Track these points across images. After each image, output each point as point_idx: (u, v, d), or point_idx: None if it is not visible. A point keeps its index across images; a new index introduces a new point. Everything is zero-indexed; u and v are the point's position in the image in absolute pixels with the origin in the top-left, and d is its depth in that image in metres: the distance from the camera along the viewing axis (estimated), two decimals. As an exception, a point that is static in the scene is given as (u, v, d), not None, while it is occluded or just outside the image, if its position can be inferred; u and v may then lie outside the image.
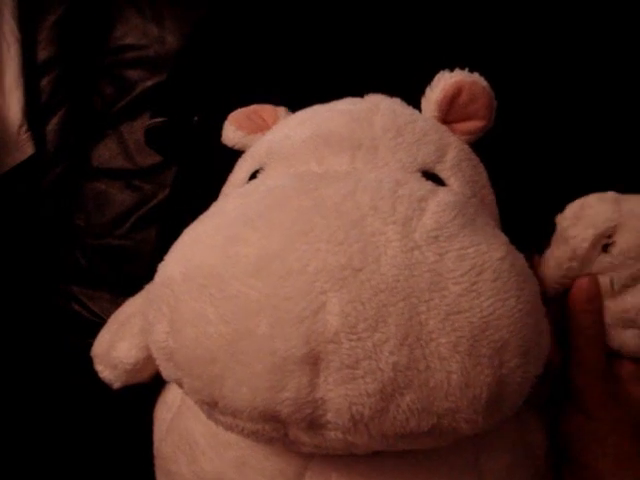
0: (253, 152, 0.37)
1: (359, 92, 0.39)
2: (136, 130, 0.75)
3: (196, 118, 0.57)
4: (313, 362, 0.24)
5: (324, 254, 0.25)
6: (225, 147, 0.41)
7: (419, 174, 0.32)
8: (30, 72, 0.80)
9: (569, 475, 0.35)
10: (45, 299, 0.77)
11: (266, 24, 0.59)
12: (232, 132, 0.40)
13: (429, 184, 0.30)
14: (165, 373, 0.29)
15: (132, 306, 0.43)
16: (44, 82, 0.81)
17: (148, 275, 0.44)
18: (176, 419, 0.36)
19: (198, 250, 0.28)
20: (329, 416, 0.25)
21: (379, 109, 0.35)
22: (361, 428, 0.25)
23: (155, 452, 0.39)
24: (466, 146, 0.36)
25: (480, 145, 0.37)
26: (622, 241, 0.32)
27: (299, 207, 0.27)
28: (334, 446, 0.26)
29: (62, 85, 0.81)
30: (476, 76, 0.35)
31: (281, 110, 0.40)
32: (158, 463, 0.38)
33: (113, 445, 0.57)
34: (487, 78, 0.36)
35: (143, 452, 0.39)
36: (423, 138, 0.34)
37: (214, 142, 0.42)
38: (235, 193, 0.31)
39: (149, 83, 0.76)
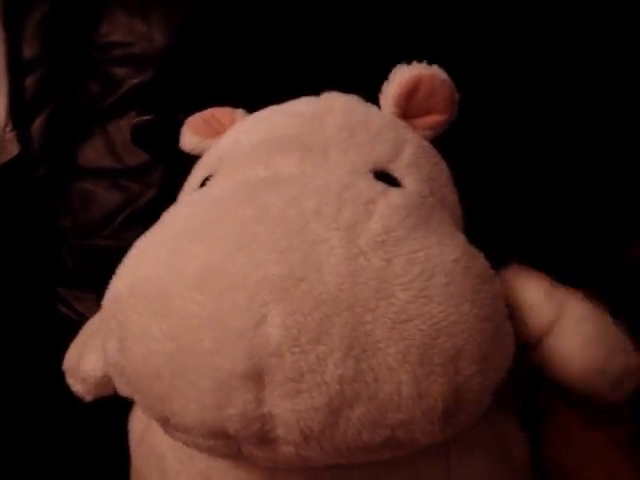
0: (205, 158, 0.36)
1: (330, 89, 0.38)
2: (123, 129, 0.74)
3: (182, 116, 0.56)
4: (257, 377, 0.23)
5: (265, 264, 0.24)
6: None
7: (371, 175, 0.31)
8: (15, 70, 0.79)
9: None
10: (31, 300, 0.76)
11: (253, 24, 0.59)
12: (189, 137, 0.40)
13: (379, 185, 0.29)
14: (119, 389, 0.29)
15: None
16: (29, 80, 0.80)
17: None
18: (146, 431, 0.36)
19: (144, 263, 0.27)
20: (279, 431, 0.24)
21: (333, 108, 0.34)
22: (312, 442, 0.24)
23: (131, 462, 0.38)
24: (425, 143, 0.34)
25: (445, 142, 0.36)
26: None
27: (241, 217, 0.26)
28: (288, 460, 0.25)
29: (48, 83, 0.80)
30: (435, 68, 0.34)
31: (239, 112, 0.39)
32: (132, 473, 0.38)
33: (95, 451, 0.56)
34: (454, 72, 0.35)
35: (124, 458, 0.39)
36: (378, 137, 0.33)
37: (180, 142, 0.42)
38: (184, 202, 0.31)
39: (136, 81, 0.75)
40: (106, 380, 0.37)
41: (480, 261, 0.27)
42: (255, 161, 0.32)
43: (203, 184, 0.34)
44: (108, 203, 0.75)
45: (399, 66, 0.35)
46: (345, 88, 0.38)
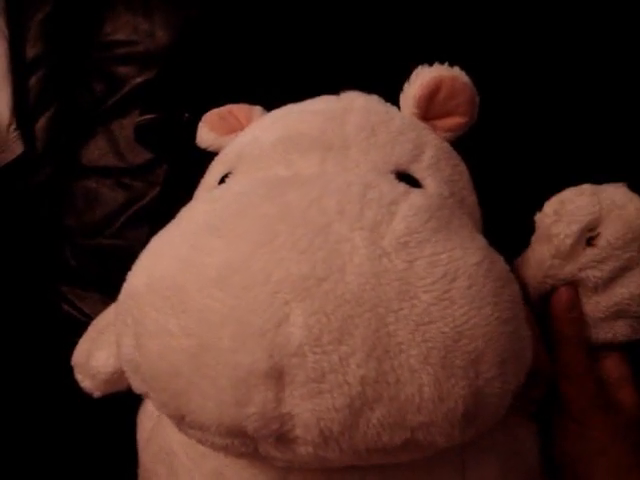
0: (223, 155, 0.36)
1: (348, 89, 0.38)
2: (126, 127, 0.74)
3: (187, 115, 0.56)
4: (278, 376, 0.23)
5: (287, 263, 0.24)
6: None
7: (392, 175, 0.30)
8: (18, 70, 0.79)
9: None
10: (35, 299, 0.76)
11: (257, 21, 0.59)
12: (205, 134, 0.39)
13: (402, 186, 0.28)
14: (134, 386, 0.28)
15: (111, 313, 0.42)
16: (33, 80, 0.80)
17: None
18: (156, 428, 0.36)
19: (162, 260, 0.27)
20: (298, 431, 0.24)
21: (353, 108, 0.34)
22: (331, 443, 0.24)
23: (139, 460, 0.38)
24: (445, 144, 0.34)
25: (464, 144, 0.36)
26: (607, 233, 0.32)
27: (263, 215, 0.26)
28: (306, 461, 0.25)
29: (51, 83, 0.80)
30: (456, 71, 0.34)
31: (256, 110, 0.39)
32: (140, 472, 0.38)
33: (101, 449, 0.56)
34: (471, 73, 0.35)
35: (131, 457, 0.39)
36: (398, 137, 0.32)
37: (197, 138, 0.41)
38: (202, 199, 0.30)
39: (139, 79, 0.75)
40: (116, 377, 0.38)
41: (500, 264, 0.27)
42: (275, 159, 0.31)
43: (222, 181, 0.33)
44: (112, 202, 0.75)
45: (420, 67, 0.34)
46: (352, 86, 0.37)
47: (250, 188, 0.28)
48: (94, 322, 0.42)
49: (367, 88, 0.37)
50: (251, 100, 0.41)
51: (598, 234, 0.32)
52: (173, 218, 0.31)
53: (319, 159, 0.31)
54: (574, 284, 0.33)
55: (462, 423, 0.24)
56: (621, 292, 0.32)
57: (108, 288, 0.76)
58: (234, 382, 0.23)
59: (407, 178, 0.31)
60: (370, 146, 0.31)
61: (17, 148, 0.77)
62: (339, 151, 0.31)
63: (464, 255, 0.25)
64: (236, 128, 0.38)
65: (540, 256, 0.33)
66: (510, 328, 0.25)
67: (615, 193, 0.32)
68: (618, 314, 0.33)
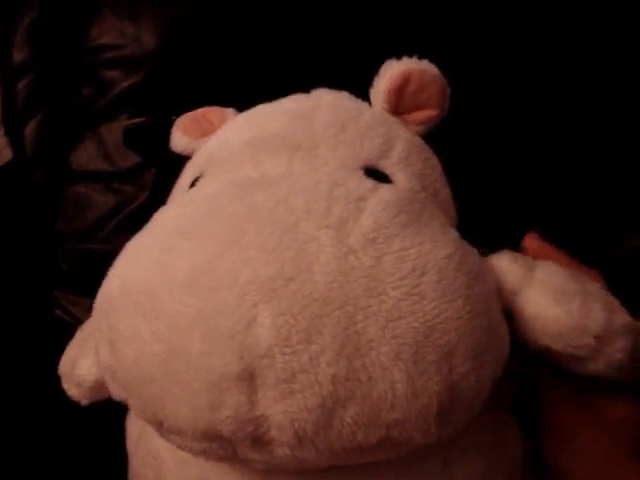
0: (195, 159, 0.36)
1: (338, 87, 0.38)
2: (115, 131, 0.74)
3: (175, 118, 0.56)
4: (249, 378, 0.23)
5: (255, 264, 0.24)
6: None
7: (361, 172, 0.30)
8: (6, 75, 0.78)
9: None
10: (27, 304, 0.75)
11: (244, 23, 0.59)
12: (179, 138, 0.39)
13: (370, 182, 0.28)
14: (113, 392, 0.28)
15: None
16: (20, 85, 0.79)
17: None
18: (142, 433, 0.36)
19: (134, 264, 0.27)
20: (273, 433, 0.24)
21: (321, 105, 0.34)
22: (307, 444, 0.24)
23: (129, 465, 0.38)
24: (416, 138, 0.34)
25: (439, 137, 0.36)
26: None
27: (231, 215, 0.26)
28: (284, 462, 0.25)
29: (39, 88, 0.80)
30: (425, 63, 0.34)
31: (229, 112, 0.39)
32: (130, 477, 0.38)
33: (94, 454, 0.56)
34: (444, 66, 0.34)
35: (123, 461, 0.39)
36: (367, 132, 0.32)
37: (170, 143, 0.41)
38: (174, 202, 0.30)
39: (126, 83, 0.74)
40: (100, 384, 0.37)
41: (473, 257, 0.27)
42: (244, 161, 0.31)
43: (193, 185, 0.33)
44: (102, 206, 0.75)
45: (389, 61, 0.34)
46: (339, 85, 0.38)
47: (219, 190, 0.28)
48: (79, 330, 0.42)
49: (347, 85, 0.37)
50: (239, 101, 0.41)
51: None
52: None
53: (287, 159, 0.31)
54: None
55: (438, 419, 0.24)
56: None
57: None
58: (206, 386, 0.23)
59: (377, 174, 0.30)
60: (338, 143, 0.31)
61: (6, 154, 0.77)
62: (307, 150, 0.31)
63: (434, 249, 0.25)
64: (209, 131, 0.38)
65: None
66: (483, 321, 0.25)
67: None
68: None
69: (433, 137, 0.36)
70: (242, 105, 0.41)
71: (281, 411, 0.23)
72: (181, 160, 0.54)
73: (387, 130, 0.33)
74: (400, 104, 0.34)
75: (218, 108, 0.39)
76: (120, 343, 0.26)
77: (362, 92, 0.37)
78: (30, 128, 0.79)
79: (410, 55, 0.34)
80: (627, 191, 0.50)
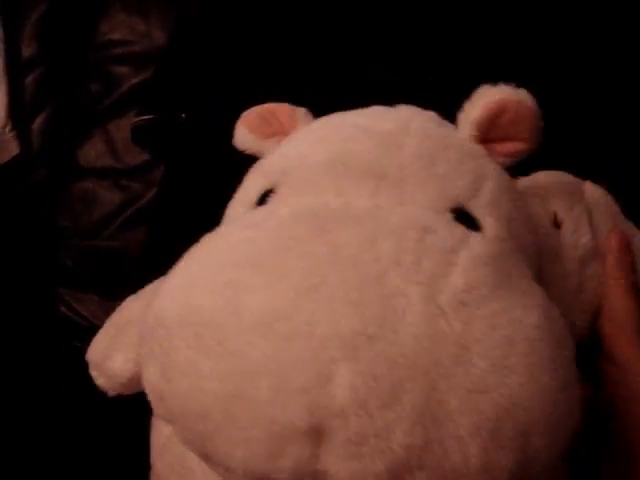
0: (265, 167, 0.33)
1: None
2: (123, 128, 0.74)
3: (184, 115, 0.56)
4: (316, 435, 0.22)
5: (336, 316, 0.22)
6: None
7: (450, 215, 0.28)
8: (14, 70, 0.78)
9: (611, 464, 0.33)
10: (32, 301, 0.75)
11: (253, 20, 0.58)
12: (244, 135, 0.36)
13: (460, 229, 0.26)
14: (157, 411, 0.27)
15: (131, 309, 0.40)
16: (28, 80, 0.79)
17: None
18: (174, 438, 0.35)
19: (197, 290, 0.25)
20: None
21: (410, 130, 0.31)
22: None
23: (151, 465, 0.37)
24: (506, 176, 0.32)
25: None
26: (558, 206, 0.34)
27: (311, 254, 0.24)
28: None
29: (47, 83, 0.80)
30: (523, 94, 0.31)
31: (300, 112, 0.36)
32: (153, 478, 0.37)
33: (106, 450, 0.56)
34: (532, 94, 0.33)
35: (139, 458, 0.38)
36: (458, 167, 0.30)
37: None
38: (243, 222, 0.28)
39: (136, 80, 0.74)
40: (133, 382, 0.36)
41: (559, 323, 0.25)
42: (325, 185, 0.29)
43: (263, 198, 0.31)
44: (108, 203, 0.75)
45: (484, 87, 0.32)
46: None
47: (296, 218, 0.26)
48: (112, 316, 0.41)
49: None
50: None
51: (554, 214, 0.33)
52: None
53: (372, 189, 0.28)
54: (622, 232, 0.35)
55: None
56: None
57: (105, 290, 0.75)
58: (268, 435, 0.22)
59: (465, 217, 0.29)
60: (428, 178, 0.29)
61: (13, 149, 0.77)
62: (394, 182, 0.29)
63: (524, 316, 0.24)
64: (278, 132, 0.35)
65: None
66: (564, 395, 0.24)
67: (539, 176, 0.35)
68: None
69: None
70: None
71: (344, 469, 0.22)
72: (190, 158, 0.54)
73: (477, 165, 0.31)
74: (489, 134, 0.32)
75: (287, 106, 0.36)
76: (175, 372, 0.24)
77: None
78: (37, 123, 0.79)
79: (507, 82, 0.32)
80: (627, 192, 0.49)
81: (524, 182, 0.35)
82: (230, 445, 0.23)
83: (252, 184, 0.33)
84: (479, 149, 0.32)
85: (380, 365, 0.22)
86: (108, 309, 0.42)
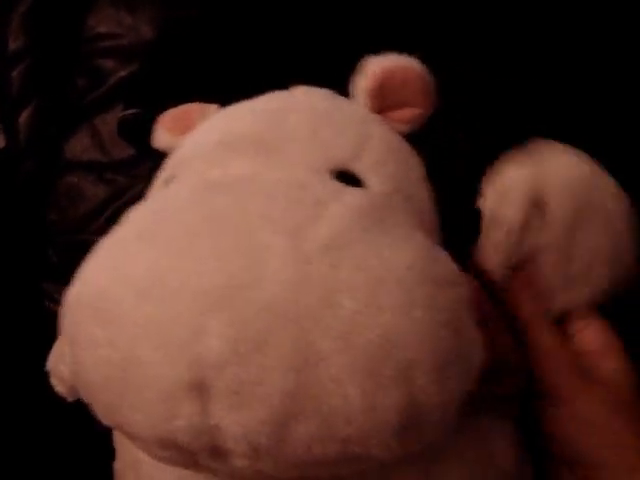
0: (170, 159, 0.35)
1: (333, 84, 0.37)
2: (110, 122, 0.73)
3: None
4: (201, 388, 0.22)
5: (206, 272, 0.23)
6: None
7: (329, 175, 0.29)
8: (0, 63, 0.78)
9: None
10: (17, 296, 0.75)
11: (241, 16, 0.58)
12: (161, 135, 0.38)
13: (335, 185, 0.27)
14: (82, 396, 0.28)
15: None
16: (15, 73, 0.78)
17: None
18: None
19: (92, 269, 0.26)
20: (229, 444, 0.23)
21: (297, 104, 0.33)
22: (263, 456, 0.23)
23: (114, 466, 0.38)
24: (395, 138, 0.33)
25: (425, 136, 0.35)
26: (554, 204, 0.32)
27: (188, 221, 0.25)
28: (245, 474, 0.24)
29: (34, 76, 0.79)
30: (409, 60, 0.32)
31: (210, 108, 0.38)
32: (115, 475, 0.37)
33: (85, 451, 0.56)
34: (434, 62, 0.33)
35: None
36: (340, 133, 0.31)
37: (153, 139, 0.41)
38: (140, 205, 0.29)
39: (123, 73, 0.74)
40: None
41: (441, 264, 0.25)
42: (211, 162, 0.30)
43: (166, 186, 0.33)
44: (95, 197, 0.75)
45: (370, 58, 0.33)
46: (334, 80, 0.37)
47: (181, 192, 0.28)
48: None
49: (342, 82, 0.36)
50: (235, 95, 0.40)
51: (545, 204, 0.32)
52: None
53: (253, 160, 0.29)
54: (530, 259, 0.33)
55: (399, 433, 0.23)
56: (585, 246, 0.33)
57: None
58: (160, 395, 0.23)
59: (347, 177, 0.29)
60: (309, 144, 0.30)
61: (-1, 142, 0.76)
62: (275, 150, 0.30)
63: (395, 256, 0.24)
64: (190, 128, 0.37)
65: (494, 242, 0.33)
66: (447, 332, 0.24)
67: (558, 162, 0.33)
68: (591, 266, 0.33)
69: (418, 136, 0.35)
70: (239, 98, 0.40)
71: (234, 422, 0.22)
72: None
73: (363, 129, 0.32)
74: (383, 102, 0.33)
75: (200, 104, 0.38)
76: (79, 348, 0.25)
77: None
78: (24, 117, 0.79)
79: (390, 50, 0.33)
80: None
81: (536, 147, 0.35)
82: (131, 410, 0.24)
83: (159, 176, 0.35)
84: (368, 115, 0.33)
85: (247, 313, 0.22)
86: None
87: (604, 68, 0.49)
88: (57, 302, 0.75)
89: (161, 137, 0.38)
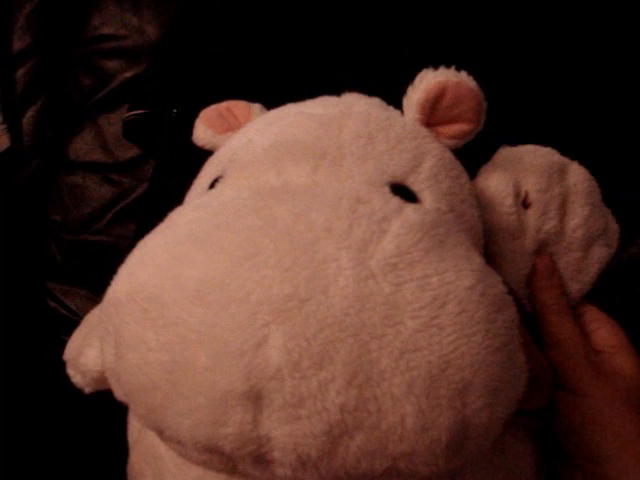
0: (216, 157, 0.35)
1: (342, 88, 0.37)
2: (114, 122, 0.74)
3: (175, 110, 0.56)
4: (255, 398, 0.23)
5: (269, 282, 0.23)
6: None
7: (387, 188, 0.29)
8: (5, 63, 0.78)
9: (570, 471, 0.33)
10: (20, 295, 0.75)
11: (246, 16, 0.58)
12: (202, 131, 0.38)
13: (396, 201, 0.27)
14: (116, 394, 0.28)
15: None
16: (20, 73, 0.79)
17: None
18: (144, 429, 0.35)
19: (143, 268, 0.26)
20: (275, 454, 0.23)
21: (352, 113, 0.32)
22: (309, 468, 0.23)
23: (128, 459, 0.38)
24: (447, 154, 0.33)
25: (470, 152, 0.35)
26: (530, 186, 0.34)
27: (248, 227, 0.25)
28: None
29: (38, 76, 0.79)
30: (463, 75, 0.32)
31: (255, 107, 0.37)
32: (129, 471, 0.37)
33: (90, 445, 0.56)
34: (479, 78, 0.34)
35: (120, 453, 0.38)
36: (397, 146, 0.31)
37: (192, 135, 0.41)
38: (190, 205, 0.29)
39: (127, 74, 0.74)
40: (105, 376, 0.37)
41: (497, 287, 0.26)
42: (267, 166, 0.30)
43: (213, 185, 0.32)
44: (99, 197, 0.75)
45: (425, 71, 0.33)
46: (343, 79, 0.37)
47: (238, 197, 0.27)
48: (86, 317, 0.41)
49: (364, 84, 0.36)
50: (240, 96, 0.40)
51: (526, 193, 0.34)
52: (160, 215, 0.30)
53: (311, 168, 0.29)
54: (544, 250, 0.34)
55: (446, 453, 0.23)
56: (575, 223, 0.34)
57: (94, 284, 0.75)
58: (210, 401, 0.23)
59: (403, 191, 0.29)
60: (366, 155, 0.30)
61: (4, 142, 0.76)
62: (333, 160, 0.30)
63: (456, 278, 0.24)
64: (234, 126, 0.36)
65: (507, 251, 0.34)
66: (502, 357, 0.24)
67: (523, 152, 0.35)
68: (588, 242, 0.35)
69: (464, 152, 0.35)
70: (244, 99, 0.40)
71: (286, 434, 0.23)
72: (181, 153, 0.54)
73: (418, 144, 0.32)
74: (434, 116, 0.33)
75: (243, 102, 0.38)
76: (125, 348, 0.25)
77: (367, 86, 0.36)
78: (28, 116, 0.79)
79: (448, 65, 0.33)
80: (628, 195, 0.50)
81: (503, 154, 0.36)
82: (177, 415, 0.24)
83: (204, 175, 0.34)
84: (421, 130, 0.33)
85: (311, 326, 0.22)
86: (97, 303, 0.42)
87: (602, 71, 0.49)
88: (60, 301, 0.75)
89: (202, 134, 0.38)
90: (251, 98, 0.39)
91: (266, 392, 0.22)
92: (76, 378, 0.39)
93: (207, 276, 0.24)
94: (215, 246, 0.25)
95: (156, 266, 0.25)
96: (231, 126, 0.37)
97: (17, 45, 0.79)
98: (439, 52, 0.35)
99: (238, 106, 0.38)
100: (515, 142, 0.38)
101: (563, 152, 0.37)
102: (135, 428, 0.37)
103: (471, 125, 0.33)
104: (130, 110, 0.60)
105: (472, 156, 0.35)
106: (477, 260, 0.26)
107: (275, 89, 0.38)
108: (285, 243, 0.24)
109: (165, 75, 0.61)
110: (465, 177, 0.33)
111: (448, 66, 0.33)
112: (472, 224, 0.32)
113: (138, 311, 0.25)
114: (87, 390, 0.38)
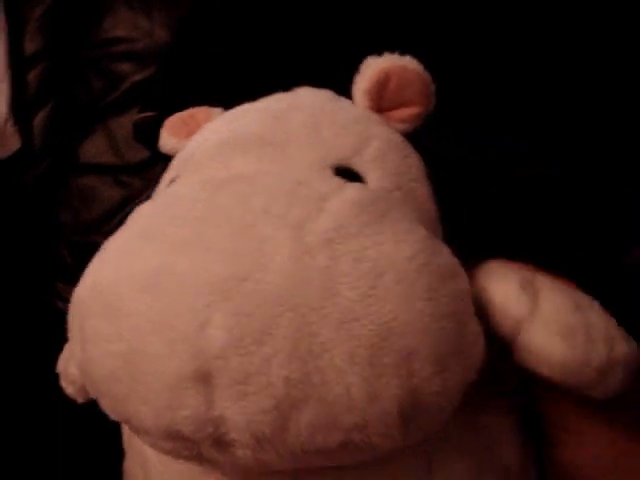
0: (176, 159, 0.35)
1: (342, 88, 0.37)
2: (125, 125, 0.74)
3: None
4: (205, 379, 0.23)
5: (209, 265, 0.24)
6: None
7: (330, 171, 0.29)
8: (17, 65, 0.78)
9: None
10: (30, 296, 0.75)
11: (257, 20, 0.59)
12: (166, 138, 0.38)
13: (336, 181, 0.27)
14: (90, 392, 0.28)
15: None
16: (31, 75, 0.79)
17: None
18: (132, 434, 0.36)
19: (102, 266, 0.27)
20: (232, 434, 0.23)
21: (299, 105, 0.33)
22: (266, 446, 0.23)
23: (124, 463, 0.38)
24: (395, 136, 0.33)
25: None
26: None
27: (192, 217, 0.25)
28: (248, 464, 0.24)
29: (49, 78, 0.80)
30: (407, 59, 0.33)
31: (215, 111, 0.38)
32: (124, 473, 0.38)
33: (95, 449, 0.56)
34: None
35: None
36: (341, 131, 0.31)
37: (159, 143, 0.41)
38: (146, 204, 0.30)
39: (138, 77, 0.74)
40: None
41: (442, 257, 0.26)
42: (217, 161, 0.31)
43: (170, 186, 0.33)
44: (109, 200, 0.75)
45: (369, 58, 0.33)
46: (343, 81, 0.37)
47: (186, 191, 0.28)
48: None
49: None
50: (249, 98, 0.40)
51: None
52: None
53: (256, 157, 0.30)
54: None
55: (400, 424, 0.23)
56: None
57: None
58: (165, 386, 0.23)
59: (347, 173, 0.30)
60: (311, 142, 0.30)
61: (15, 143, 0.77)
62: (278, 149, 0.30)
63: (395, 249, 0.24)
64: (195, 131, 0.37)
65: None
66: (449, 324, 0.24)
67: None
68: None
69: (419, 135, 0.35)
70: (249, 100, 0.40)
71: (237, 412, 0.23)
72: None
73: (363, 129, 0.32)
74: (382, 102, 0.33)
75: (205, 108, 0.39)
76: (88, 343, 0.26)
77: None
78: (39, 118, 0.79)
79: (392, 51, 0.33)
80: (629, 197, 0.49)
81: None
82: (139, 403, 0.24)
83: (164, 178, 0.35)
84: (370, 115, 0.33)
85: (250, 304, 0.23)
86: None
87: (603, 74, 0.49)
88: (69, 302, 0.75)
89: (166, 141, 0.39)
90: (253, 99, 0.40)
91: (214, 371, 0.23)
92: (68, 389, 0.39)
93: (155, 266, 0.25)
94: (159, 237, 0.26)
95: (113, 262, 0.26)
96: (192, 131, 0.37)
97: (29, 48, 0.79)
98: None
99: (201, 112, 0.38)
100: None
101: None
102: (126, 433, 0.37)
103: (420, 108, 0.33)
104: (140, 112, 0.61)
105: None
106: (419, 232, 0.26)
107: (275, 89, 0.38)
108: (225, 228, 0.24)
109: (176, 77, 0.62)
110: (414, 157, 0.33)
111: (392, 52, 0.33)
112: (422, 202, 0.32)
113: (98, 306, 0.26)
114: (80, 400, 0.39)
